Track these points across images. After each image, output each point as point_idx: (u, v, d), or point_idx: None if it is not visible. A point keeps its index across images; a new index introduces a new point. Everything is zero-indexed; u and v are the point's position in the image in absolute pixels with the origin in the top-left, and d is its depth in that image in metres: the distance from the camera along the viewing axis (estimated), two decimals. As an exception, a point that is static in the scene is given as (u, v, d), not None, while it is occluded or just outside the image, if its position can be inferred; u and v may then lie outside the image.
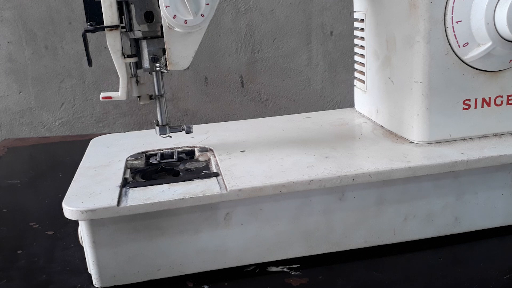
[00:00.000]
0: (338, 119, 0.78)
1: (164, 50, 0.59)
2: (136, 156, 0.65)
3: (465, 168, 0.58)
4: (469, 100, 0.63)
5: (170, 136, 0.65)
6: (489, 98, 0.64)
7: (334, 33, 1.41)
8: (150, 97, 0.64)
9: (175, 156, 0.66)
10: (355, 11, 0.77)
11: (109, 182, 0.57)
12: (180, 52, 0.58)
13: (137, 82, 0.62)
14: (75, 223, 0.54)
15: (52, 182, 0.86)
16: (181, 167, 0.63)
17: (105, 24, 0.57)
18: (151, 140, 0.71)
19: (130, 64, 0.61)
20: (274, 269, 0.57)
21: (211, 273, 0.56)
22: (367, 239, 0.60)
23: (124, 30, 0.60)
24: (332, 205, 0.58)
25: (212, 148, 0.66)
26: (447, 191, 0.60)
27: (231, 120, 0.83)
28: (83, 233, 0.53)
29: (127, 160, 0.64)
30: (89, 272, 0.55)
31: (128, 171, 0.61)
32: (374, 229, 0.59)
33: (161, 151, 0.67)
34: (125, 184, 0.57)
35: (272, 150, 0.64)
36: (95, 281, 0.54)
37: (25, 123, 1.37)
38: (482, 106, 0.64)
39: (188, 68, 0.59)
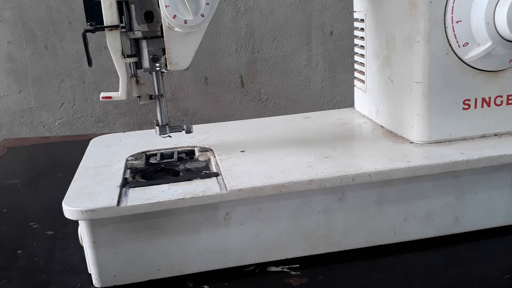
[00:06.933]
0: (338, 119, 0.78)
1: (164, 50, 0.59)
2: (136, 156, 0.65)
3: (465, 168, 0.58)
4: (469, 100, 0.63)
5: (170, 136, 0.65)
6: (489, 98, 0.64)
7: (334, 33, 1.41)
8: (150, 97, 0.64)
9: (175, 156, 0.66)
10: (355, 11, 0.77)
11: (109, 182, 0.57)
12: (180, 52, 0.58)
13: (137, 82, 0.62)
14: (75, 223, 0.54)
15: (52, 182, 0.86)
16: (181, 167, 0.63)
17: (105, 24, 0.57)
18: (151, 140, 0.71)
19: (130, 64, 0.61)
20: (274, 269, 0.57)
21: (211, 273, 0.56)
22: (367, 239, 0.60)
23: (124, 30, 0.59)
24: (332, 205, 0.58)
25: (212, 148, 0.66)
26: (447, 191, 0.60)
27: (231, 120, 0.83)
28: (83, 233, 0.53)
29: (127, 160, 0.64)
30: (89, 272, 0.55)
31: (128, 171, 0.61)
32: (374, 229, 0.59)
33: (161, 151, 0.67)
34: (125, 184, 0.57)
35: (272, 150, 0.64)
36: (95, 281, 0.54)
37: (25, 123, 1.37)
38: (482, 106, 0.64)
39: (188, 68, 0.59)
